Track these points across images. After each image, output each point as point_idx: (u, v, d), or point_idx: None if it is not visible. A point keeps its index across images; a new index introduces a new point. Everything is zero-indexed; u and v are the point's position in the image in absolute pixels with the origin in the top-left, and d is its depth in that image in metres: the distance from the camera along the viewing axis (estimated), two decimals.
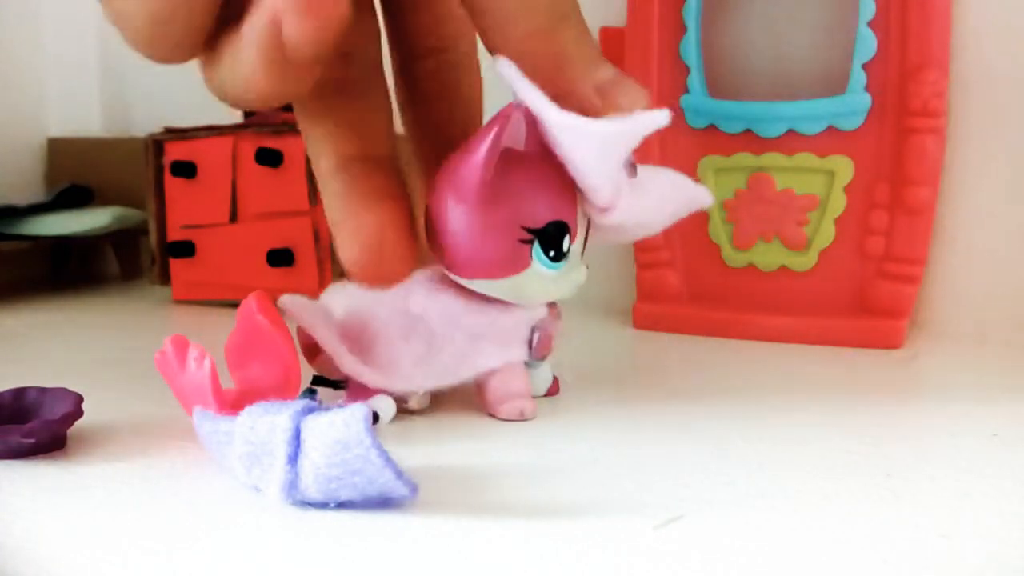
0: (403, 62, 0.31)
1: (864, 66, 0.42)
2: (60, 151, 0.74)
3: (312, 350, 0.31)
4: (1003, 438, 0.28)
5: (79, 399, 0.28)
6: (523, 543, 0.20)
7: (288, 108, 0.63)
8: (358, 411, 0.21)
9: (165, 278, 0.58)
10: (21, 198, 0.66)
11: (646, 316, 0.47)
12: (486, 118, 0.29)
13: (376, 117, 0.28)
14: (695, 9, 0.45)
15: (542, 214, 0.28)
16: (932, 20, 0.41)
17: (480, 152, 0.27)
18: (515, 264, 0.28)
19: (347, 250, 0.27)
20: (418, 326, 0.30)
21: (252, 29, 0.21)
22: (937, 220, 0.43)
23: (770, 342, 0.43)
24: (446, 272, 0.30)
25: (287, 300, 0.31)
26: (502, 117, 0.26)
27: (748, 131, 0.44)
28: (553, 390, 0.33)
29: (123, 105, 0.78)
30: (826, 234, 0.44)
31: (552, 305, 0.31)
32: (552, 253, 0.28)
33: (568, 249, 0.29)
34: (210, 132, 0.55)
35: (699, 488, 0.24)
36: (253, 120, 0.56)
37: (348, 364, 0.29)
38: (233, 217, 0.55)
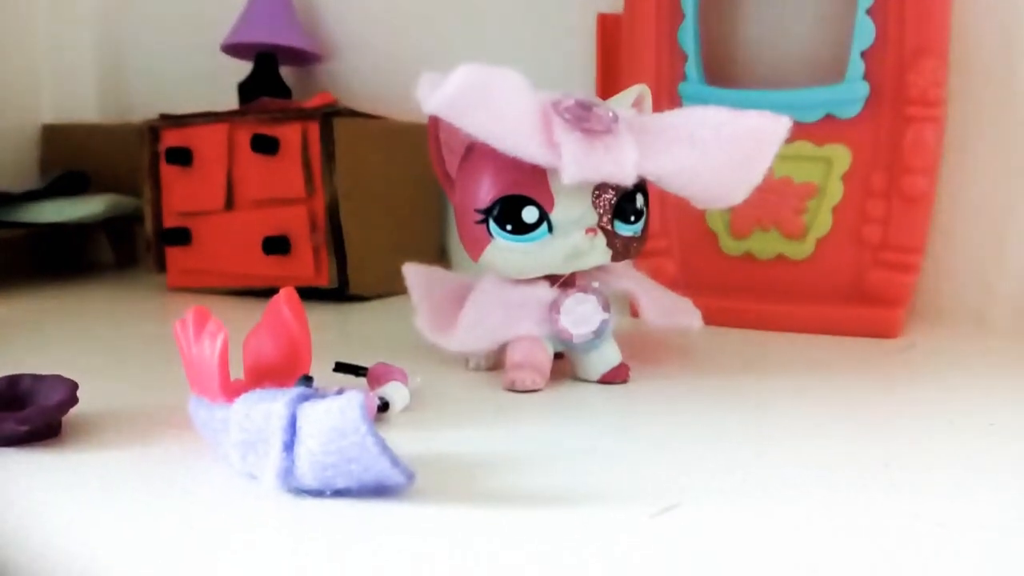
0: None
1: (862, 54, 0.42)
2: (55, 137, 0.74)
3: None
4: (1000, 427, 0.28)
5: (74, 386, 0.28)
6: (521, 531, 0.20)
7: (287, 96, 0.63)
8: (354, 399, 0.21)
9: (160, 266, 0.58)
10: (15, 185, 0.65)
11: None
12: None
13: None
14: None
15: (487, 194, 0.31)
16: (931, 8, 0.41)
17: (433, 156, 0.32)
18: (480, 243, 0.32)
19: None
20: (476, 297, 0.33)
21: None
22: (935, 209, 0.43)
23: (767, 330, 0.42)
24: None
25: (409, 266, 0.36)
26: (430, 120, 0.31)
27: None
28: (613, 376, 0.33)
29: (119, 91, 0.77)
30: (823, 223, 0.44)
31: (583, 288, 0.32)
32: (510, 226, 0.31)
33: (539, 220, 0.30)
34: (206, 119, 0.55)
35: (696, 476, 0.24)
36: (249, 107, 0.56)
37: (418, 322, 0.34)
38: (229, 204, 0.55)
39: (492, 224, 0.31)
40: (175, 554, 0.19)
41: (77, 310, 0.46)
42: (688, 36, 0.45)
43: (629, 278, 0.35)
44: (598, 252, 0.31)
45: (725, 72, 0.47)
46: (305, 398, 0.22)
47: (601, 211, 0.31)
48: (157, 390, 0.33)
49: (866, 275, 0.43)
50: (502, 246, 0.31)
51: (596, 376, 0.33)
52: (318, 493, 0.22)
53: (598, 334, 0.32)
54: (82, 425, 0.28)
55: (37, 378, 0.29)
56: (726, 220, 0.46)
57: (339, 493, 0.22)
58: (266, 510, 0.22)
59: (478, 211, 0.31)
